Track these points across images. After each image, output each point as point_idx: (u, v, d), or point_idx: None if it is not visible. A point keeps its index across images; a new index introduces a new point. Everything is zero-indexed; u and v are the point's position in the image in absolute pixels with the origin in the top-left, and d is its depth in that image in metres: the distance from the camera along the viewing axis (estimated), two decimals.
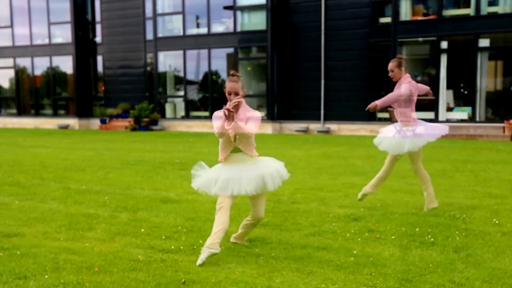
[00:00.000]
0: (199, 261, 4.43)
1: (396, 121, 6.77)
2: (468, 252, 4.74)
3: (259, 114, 4.83)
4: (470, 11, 18.58)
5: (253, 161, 4.83)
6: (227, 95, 4.73)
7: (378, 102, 6.34)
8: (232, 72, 4.84)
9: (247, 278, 4.09)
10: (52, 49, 25.99)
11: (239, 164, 4.78)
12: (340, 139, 17.86)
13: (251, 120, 4.80)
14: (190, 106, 23.51)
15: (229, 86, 4.73)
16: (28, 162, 11.40)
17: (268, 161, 4.94)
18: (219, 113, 4.71)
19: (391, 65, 6.46)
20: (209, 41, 22.49)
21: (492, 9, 18.48)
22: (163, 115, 24.10)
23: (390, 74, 6.52)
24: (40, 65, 26.56)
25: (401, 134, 6.58)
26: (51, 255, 4.71)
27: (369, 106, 6.36)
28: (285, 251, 4.82)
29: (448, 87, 19.00)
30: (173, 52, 23.65)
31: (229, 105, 4.59)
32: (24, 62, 26.93)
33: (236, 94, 4.69)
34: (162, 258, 4.63)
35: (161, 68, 24.27)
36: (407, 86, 6.41)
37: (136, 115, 23.54)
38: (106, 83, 25.69)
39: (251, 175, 4.70)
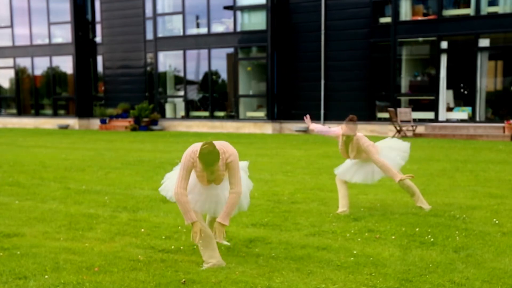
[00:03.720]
0: (203, 268, 4.40)
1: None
2: (468, 252, 4.74)
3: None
4: (470, 11, 18.58)
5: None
6: (201, 171, 4.36)
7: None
8: (204, 144, 4.25)
9: (247, 278, 4.09)
10: (52, 49, 25.99)
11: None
12: None
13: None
14: (190, 106, 23.51)
15: (205, 167, 4.26)
16: (28, 162, 11.40)
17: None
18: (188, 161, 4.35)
19: (353, 131, 6.41)
20: (209, 41, 22.49)
21: (492, 9, 18.48)
22: (163, 115, 24.10)
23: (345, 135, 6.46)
24: (40, 65, 26.56)
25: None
26: (51, 255, 4.71)
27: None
28: (285, 251, 4.82)
29: (448, 87, 19.00)
30: (173, 52, 23.65)
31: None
32: (24, 62, 26.93)
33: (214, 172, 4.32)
34: (162, 258, 4.62)
35: (161, 68, 24.27)
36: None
37: (136, 115, 23.54)
38: (106, 83, 25.68)
39: (228, 195, 4.58)
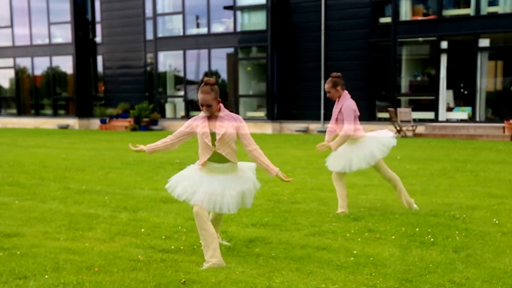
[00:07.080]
0: (203, 267, 4.40)
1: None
2: (468, 252, 4.74)
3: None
4: (470, 11, 18.59)
5: (234, 172, 4.68)
6: (200, 105, 4.61)
7: (332, 145, 6.13)
8: (205, 79, 4.56)
9: (247, 278, 4.08)
10: (52, 49, 25.99)
11: (220, 175, 4.63)
12: None
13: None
14: (190, 106, 23.51)
15: (200, 98, 4.59)
16: (28, 162, 11.39)
17: (246, 171, 4.79)
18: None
19: (327, 86, 6.20)
20: (209, 41, 22.49)
21: (492, 9, 18.49)
22: (163, 115, 24.10)
23: (328, 95, 6.28)
24: (40, 65, 26.56)
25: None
26: (51, 255, 4.71)
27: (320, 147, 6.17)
28: (285, 251, 4.82)
29: (448, 87, 19.00)
30: (173, 52, 23.65)
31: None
32: (24, 62, 26.94)
33: (208, 106, 4.56)
34: (162, 258, 4.62)
35: (161, 68, 24.27)
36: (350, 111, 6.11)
37: (136, 115, 23.53)
38: (106, 83, 25.69)
39: (233, 191, 4.56)
